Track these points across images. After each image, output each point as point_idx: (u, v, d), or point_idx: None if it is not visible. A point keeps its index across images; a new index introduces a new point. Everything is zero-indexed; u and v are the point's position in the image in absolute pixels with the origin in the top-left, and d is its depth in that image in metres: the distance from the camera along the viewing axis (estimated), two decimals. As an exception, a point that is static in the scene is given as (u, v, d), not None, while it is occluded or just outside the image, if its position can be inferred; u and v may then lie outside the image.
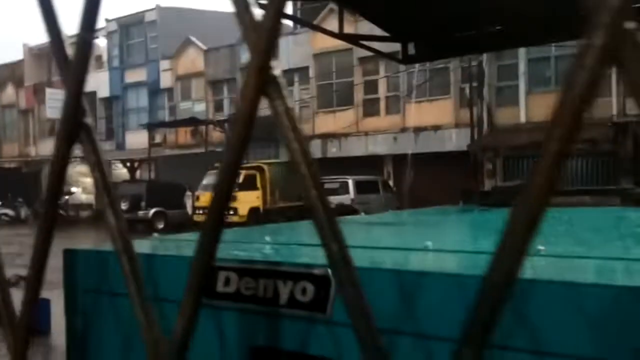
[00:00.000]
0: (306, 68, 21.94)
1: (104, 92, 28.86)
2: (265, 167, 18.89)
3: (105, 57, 29.59)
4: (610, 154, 15.62)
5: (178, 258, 1.38)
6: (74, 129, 0.42)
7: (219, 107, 25.18)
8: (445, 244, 1.46)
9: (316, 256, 1.25)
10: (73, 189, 26.52)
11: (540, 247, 1.14)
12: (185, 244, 1.72)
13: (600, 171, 15.37)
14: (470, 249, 1.39)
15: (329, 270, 1.04)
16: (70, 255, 1.51)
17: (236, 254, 1.46)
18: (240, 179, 18.59)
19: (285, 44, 22.22)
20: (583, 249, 1.39)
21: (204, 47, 24.94)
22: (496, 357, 0.86)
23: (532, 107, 16.32)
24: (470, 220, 2.36)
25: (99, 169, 0.41)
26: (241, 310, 1.16)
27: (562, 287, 0.84)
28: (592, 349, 0.79)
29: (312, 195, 0.37)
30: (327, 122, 21.45)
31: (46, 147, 28.23)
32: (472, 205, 3.46)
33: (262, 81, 0.34)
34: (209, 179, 19.34)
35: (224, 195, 0.39)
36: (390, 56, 4.37)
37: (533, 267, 1.09)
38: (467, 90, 16.94)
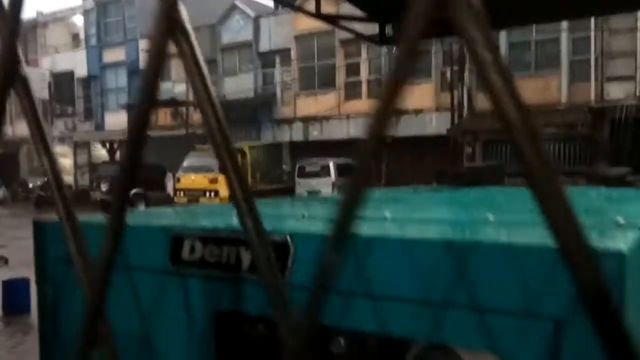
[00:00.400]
0: (288, 49, 21.76)
1: (81, 71, 28.29)
2: (247, 150, 18.80)
3: (82, 36, 28.94)
4: (588, 139, 15.89)
5: (145, 228, 1.42)
6: (9, 78, 0.44)
7: (199, 88, 24.92)
8: (400, 215, 1.52)
9: (278, 225, 1.28)
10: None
11: (490, 216, 1.19)
12: (155, 216, 1.73)
13: (578, 155, 15.65)
14: (421, 218, 1.45)
15: (288, 237, 1.09)
16: (39, 226, 1.54)
17: (203, 224, 1.49)
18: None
19: (266, 24, 21.96)
20: (527, 217, 1.45)
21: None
22: (439, 313, 0.92)
23: (512, 92, 16.47)
24: (435, 197, 2.45)
25: (33, 115, 0.44)
26: (206, 276, 1.20)
27: (498, 248, 0.89)
28: (524, 304, 0.84)
29: (223, 156, 0.40)
30: (308, 105, 21.39)
31: (24, 127, 27.68)
32: (444, 185, 3.53)
33: (169, 26, 0.36)
34: (189, 161, 19.20)
35: (135, 147, 0.42)
36: (367, 37, 4.36)
37: (477, 232, 1.14)
38: (448, 74, 17.02)
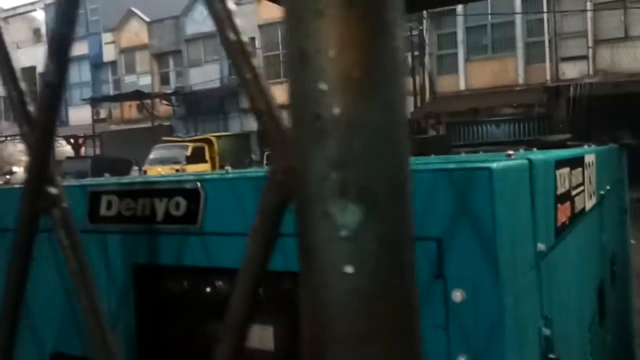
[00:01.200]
0: (252, 39, 21.98)
1: (44, 67, 27.94)
2: (214, 140, 18.94)
3: (43, 31, 28.57)
4: (545, 117, 16.58)
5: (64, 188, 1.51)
6: None
7: (165, 80, 24.92)
8: None
9: (198, 177, 1.31)
10: (15, 169, 25.84)
11: None
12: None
13: (536, 133, 16.27)
14: None
15: (198, 184, 1.11)
16: None
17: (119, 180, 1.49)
18: (189, 152, 18.57)
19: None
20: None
21: (147, 19, 24.49)
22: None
23: (471, 74, 17.08)
24: None
25: None
26: (123, 231, 1.21)
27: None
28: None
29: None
30: (276, 94, 21.61)
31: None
32: None
33: None
34: (156, 153, 19.22)
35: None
36: None
37: None
38: (409, 59, 17.52)
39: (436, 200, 0.89)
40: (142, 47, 24.83)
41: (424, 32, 17.07)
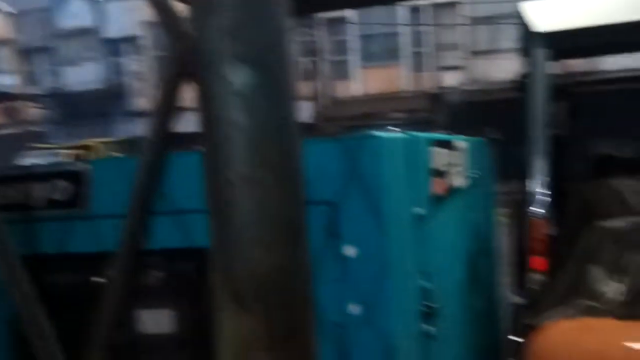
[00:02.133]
0: (139, 37, 21.03)
1: None
2: (96, 147, 17.84)
3: None
4: (428, 121, 18.42)
5: None
6: None
7: (34, 80, 22.76)
8: None
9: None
10: None
11: None
12: None
13: (422, 136, 17.99)
14: None
15: (82, 165, 1.06)
16: None
17: None
18: (72, 159, 17.24)
19: (111, 9, 20.95)
20: None
21: (11, 10, 22.10)
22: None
23: (366, 80, 18.38)
24: None
25: None
26: None
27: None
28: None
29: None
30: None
31: None
32: None
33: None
34: (26, 162, 17.57)
35: None
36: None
37: None
38: (307, 65, 18.26)
39: (330, 167, 1.00)
40: (4, 42, 22.35)
41: (321, 38, 17.93)
